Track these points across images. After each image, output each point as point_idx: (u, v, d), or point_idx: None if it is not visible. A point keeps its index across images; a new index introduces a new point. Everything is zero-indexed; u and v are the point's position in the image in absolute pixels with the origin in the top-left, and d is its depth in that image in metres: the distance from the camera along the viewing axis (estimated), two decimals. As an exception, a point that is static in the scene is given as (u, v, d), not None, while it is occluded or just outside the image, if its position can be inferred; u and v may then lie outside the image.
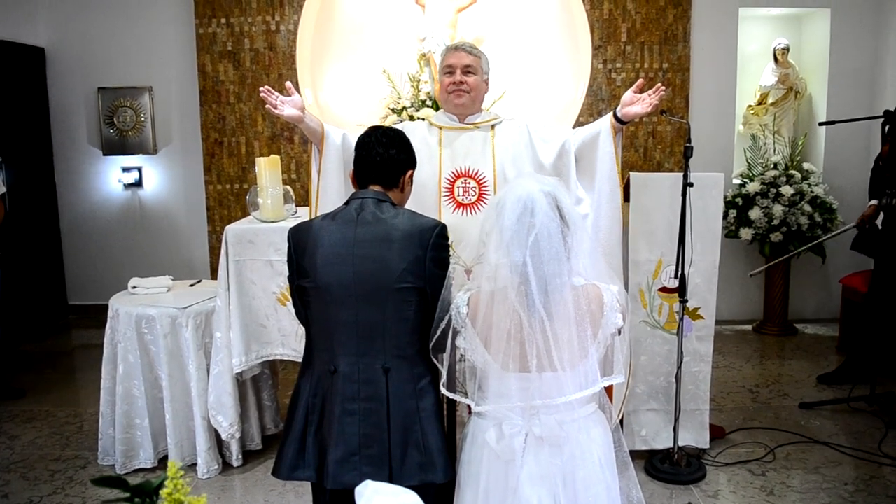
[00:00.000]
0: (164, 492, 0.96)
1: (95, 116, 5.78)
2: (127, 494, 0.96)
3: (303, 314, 2.22)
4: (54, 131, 5.84)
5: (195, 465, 3.38)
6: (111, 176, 5.87)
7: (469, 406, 1.98)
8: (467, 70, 2.93)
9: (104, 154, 5.83)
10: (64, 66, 5.75)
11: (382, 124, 3.26)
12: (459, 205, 2.92)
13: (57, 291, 5.85)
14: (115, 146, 5.80)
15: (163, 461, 3.44)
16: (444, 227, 2.12)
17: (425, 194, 2.87)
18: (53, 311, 5.77)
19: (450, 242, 2.20)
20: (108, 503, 0.91)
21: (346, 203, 2.18)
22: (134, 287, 3.65)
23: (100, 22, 5.67)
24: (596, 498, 1.85)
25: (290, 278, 2.22)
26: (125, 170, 5.83)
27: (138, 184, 5.85)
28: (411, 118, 5.01)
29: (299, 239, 2.15)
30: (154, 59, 5.70)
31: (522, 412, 1.86)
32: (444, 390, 2.02)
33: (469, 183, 2.94)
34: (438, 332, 2.01)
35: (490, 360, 1.86)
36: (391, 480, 2.01)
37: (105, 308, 3.53)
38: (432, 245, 2.06)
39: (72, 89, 5.78)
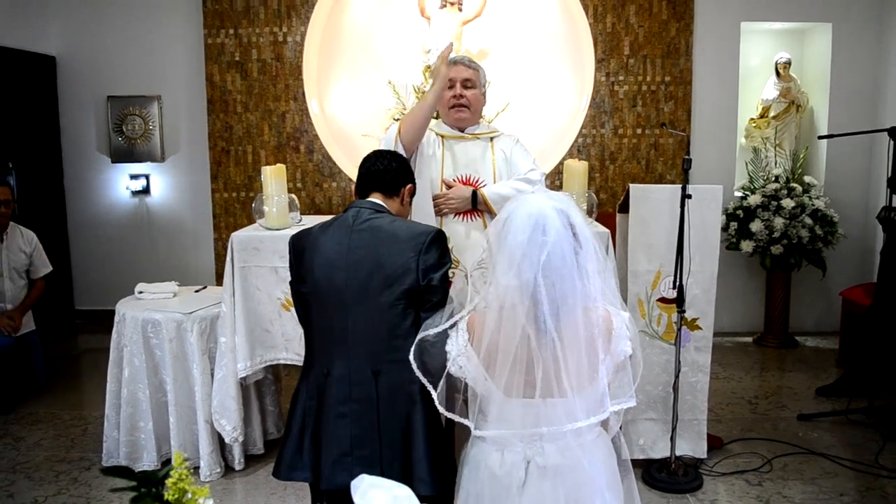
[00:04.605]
0: (169, 481, 1.01)
1: (104, 124, 5.87)
2: (133, 483, 1.01)
3: (303, 319, 2.28)
4: (64, 138, 5.92)
5: (198, 467, 3.42)
6: (119, 183, 5.95)
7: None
8: (466, 84, 3.01)
9: (112, 161, 5.91)
10: (74, 75, 5.84)
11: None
12: (459, 212, 2.98)
13: (64, 296, 5.91)
14: (124, 154, 5.88)
15: (166, 464, 3.48)
16: (439, 233, 2.16)
17: (426, 201, 2.93)
18: (60, 316, 5.83)
19: (450, 247, 2.24)
20: (117, 491, 0.96)
21: (344, 211, 2.25)
22: (140, 292, 3.70)
23: (110, 31, 5.76)
24: None
25: (291, 284, 2.28)
26: (133, 177, 5.91)
27: (146, 191, 5.93)
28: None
29: (298, 246, 2.23)
30: (163, 68, 5.78)
31: (527, 438, 1.79)
32: (442, 410, 1.95)
33: None
34: (432, 352, 1.95)
35: (492, 384, 1.79)
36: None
37: (111, 313, 3.59)
38: (425, 250, 2.10)
39: (81, 97, 5.87)
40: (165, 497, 1.01)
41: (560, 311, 1.72)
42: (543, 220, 1.72)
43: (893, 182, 4.14)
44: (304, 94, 5.52)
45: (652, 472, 3.36)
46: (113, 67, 5.80)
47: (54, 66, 5.81)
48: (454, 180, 3.00)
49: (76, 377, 4.99)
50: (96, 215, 6.00)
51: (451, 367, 1.85)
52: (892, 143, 4.08)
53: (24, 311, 4.53)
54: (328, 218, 2.32)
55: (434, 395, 1.93)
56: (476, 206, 2.94)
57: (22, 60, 5.47)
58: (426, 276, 2.09)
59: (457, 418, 1.93)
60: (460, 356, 1.84)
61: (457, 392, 1.96)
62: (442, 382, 1.92)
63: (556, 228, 1.72)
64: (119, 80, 5.80)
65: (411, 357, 1.97)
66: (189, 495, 1.02)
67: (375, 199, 2.26)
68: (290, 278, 3.23)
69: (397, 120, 5.24)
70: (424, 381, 1.96)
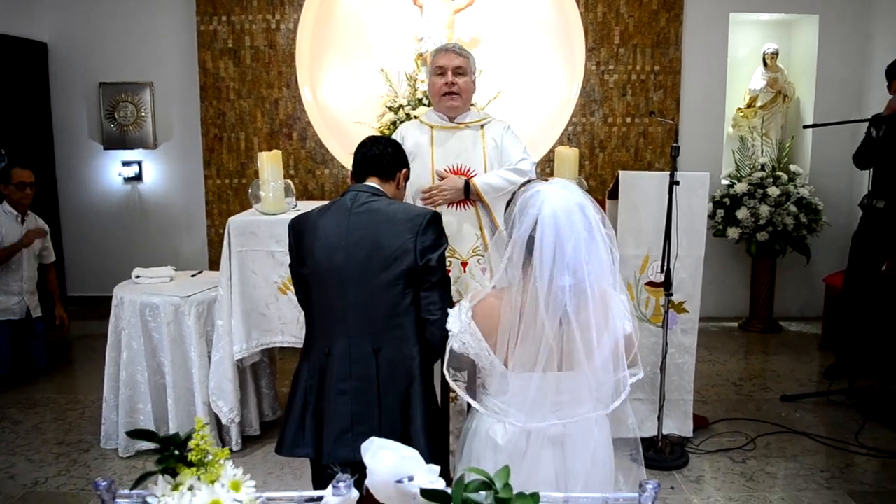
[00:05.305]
0: (192, 443, 1.07)
1: (96, 111, 5.88)
2: (158, 445, 1.08)
3: (303, 300, 2.35)
4: (55, 125, 5.93)
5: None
6: (111, 170, 5.97)
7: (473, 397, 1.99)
8: (458, 71, 3.03)
9: (105, 148, 5.92)
10: (66, 61, 5.84)
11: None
12: (451, 202, 3.04)
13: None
14: (116, 141, 5.90)
15: (164, 445, 3.54)
16: (435, 215, 2.23)
17: (418, 192, 3.00)
18: (53, 302, 5.85)
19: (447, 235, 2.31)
20: (144, 453, 1.02)
21: (343, 194, 2.31)
22: (137, 276, 3.75)
23: (102, 18, 5.76)
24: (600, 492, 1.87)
25: (291, 266, 2.34)
26: (125, 164, 5.93)
27: (138, 178, 5.95)
28: (408, 116, 5.13)
29: (298, 229, 2.29)
30: (155, 55, 5.80)
31: (530, 411, 1.86)
32: (475, 404, 1.97)
33: None
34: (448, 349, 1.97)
35: (497, 361, 1.86)
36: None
37: (103, 299, 3.64)
38: (422, 231, 2.17)
39: (73, 84, 5.87)
40: (188, 458, 1.08)
41: (581, 297, 1.79)
42: (570, 217, 1.78)
43: (858, 158, 4.28)
44: (296, 81, 5.56)
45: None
46: (105, 54, 5.81)
47: (46, 52, 5.81)
48: (445, 170, 3.05)
49: (71, 363, 5.03)
50: (88, 202, 6.02)
51: (455, 344, 1.91)
52: (872, 130, 4.20)
53: (61, 300, 4.95)
54: (325, 202, 2.39)
55: (472, 401, 1.96)
56: (468, 196, 3.00)
57: (13, 47, 5.47)
58: (424, 257, 2.16)
59: (479, 407, 1.94)
60: (463, 332, 1.90)
61: (458, 370, 2.02)
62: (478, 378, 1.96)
63: (582, 222, 1.79)
64: (111, 66, 5.81)
65: (444, 370, 1.99)
66: (210, 457, 1.08)
67: (372, 183, 2.32)
68: (286, 262, 3.29)
69: (390, 108, 5.31)
70: (464, 395, 2.00)
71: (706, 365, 4.73)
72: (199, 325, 3.47)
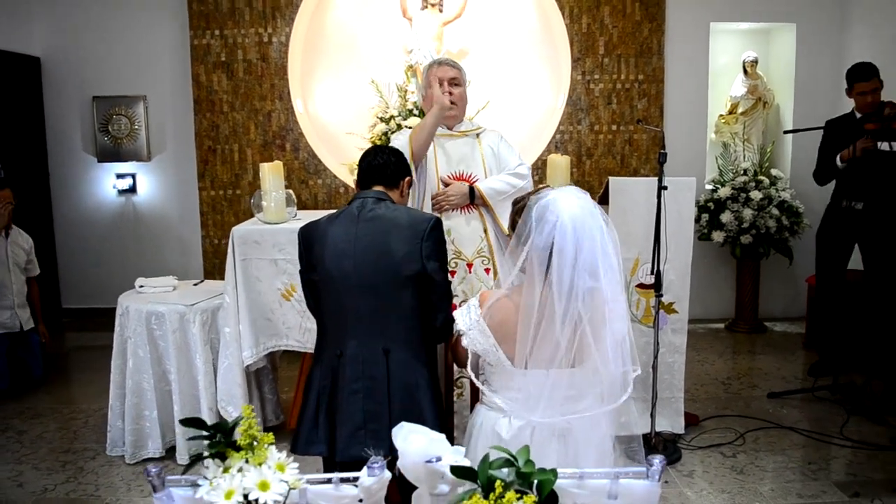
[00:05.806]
0: (240, 429, 1.17)
1: (90, 124, 5.93)
2: (209, 432, 1.17)
3: (313, 306, 2.45)
4: (49, 139, 5.98)
5: (202, 453, 3.54)
6: (105, 182, 6.02)
7: (479, 393, 2.08)
8: (453, 82, 3.21)
9: (99, 161, 5.97)
10: (59, 75, 5.90)
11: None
12: (457, 207, 3.17)
13: (51, 295, 5.96)
14: (110, 153, 5.95)
15: (170, 451, 3.60)
16: (438, 221, 2.36)
17: (424, 197, 3.12)
18: (47, 314, 5.87)
19: (450, 238, 2.42)
20: (194, 439, 1.12)
21: (350, 203, 2.42)
22: (141, 286, 3.82)
23: (95, 32, 5.83)
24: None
25: (302, 273, 2.44)
26: (119, 176, 5.99)
27: (132, 190, 6.01)
28: (399, 127, 5.24)
29: (308, 237, 2.40)
30: (149, 68, 5.87)
31: (541, 406, 1.94)
32: (493, 397, 2.05)
33: None
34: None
35: (504, 357, 1.96)
36: (392, 452, 2.22)
37: (98, 311, 3.69)
38: (427, 236, 2.29)
39: (67, 98, 5.93)
40: (237, 443, 1.17)
41: (596, 298, 1.90)
42: (586, 222, 1.88)
43: (819, 176, 4.52)
44: (289, 93, 5.65)
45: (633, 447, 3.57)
46: (98, 68, 5.87)
47: (39, 66, 5.86)
48: (449, 177, 3.19)
49: (69, 373, 5.07)
50: (83, 214, 6.06)
51: (463, 341, 2.02)
52: (838, 161, 4.40)
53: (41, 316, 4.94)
54: (325, 212, 2.50)
55: (497, 399, 2.04)
56: (473, 200, 3.14)
57: (6, 61, 5.52)
58: (428, 262, 2.28)
59: (501, 403, 2.02)
60: (472, 329, 2.01)
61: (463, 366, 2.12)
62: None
63: (595, 227, 1.89)
64: (104, 80, 5.88)
65: (469, 371, 2.08)
66: (256, 442, 1.18)
67: (378, 189, 2.43)
68: (288, 270, 3.41)
69: (381, 119, 5.42)
70: (490, 394, 2.07)
71: (695, 365, 4.87)
72: (203, 332, 3.55)
